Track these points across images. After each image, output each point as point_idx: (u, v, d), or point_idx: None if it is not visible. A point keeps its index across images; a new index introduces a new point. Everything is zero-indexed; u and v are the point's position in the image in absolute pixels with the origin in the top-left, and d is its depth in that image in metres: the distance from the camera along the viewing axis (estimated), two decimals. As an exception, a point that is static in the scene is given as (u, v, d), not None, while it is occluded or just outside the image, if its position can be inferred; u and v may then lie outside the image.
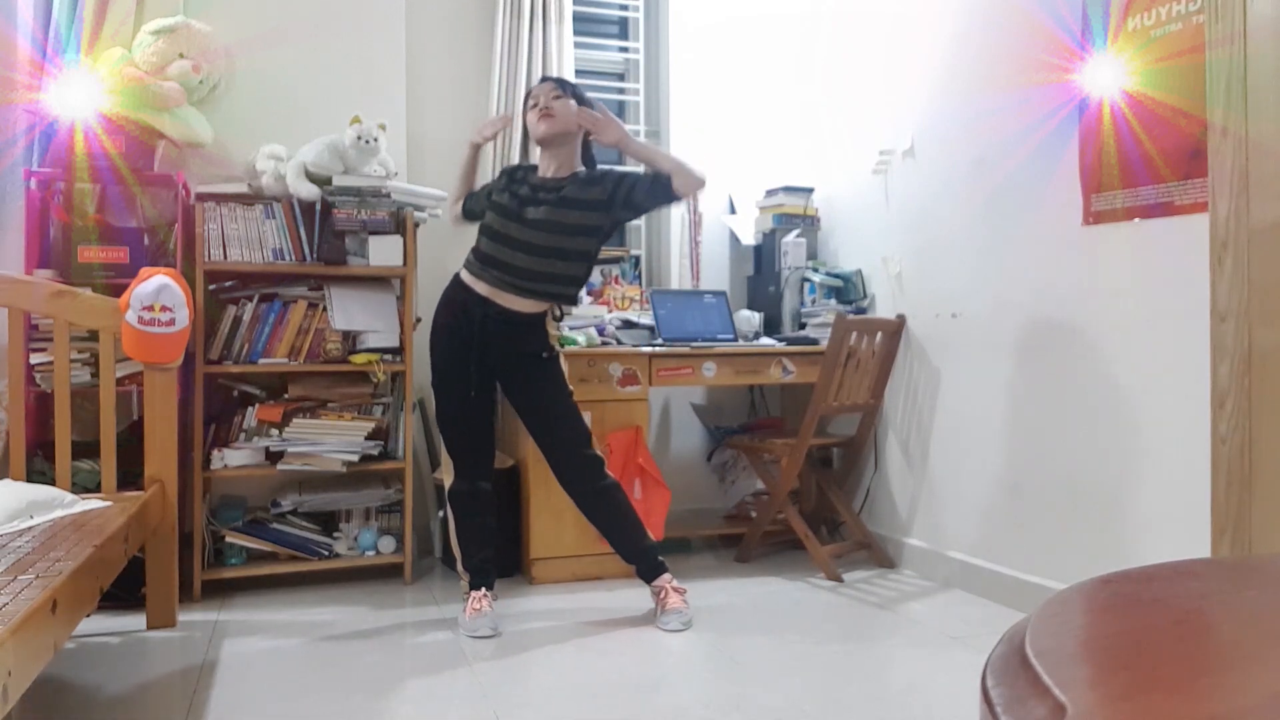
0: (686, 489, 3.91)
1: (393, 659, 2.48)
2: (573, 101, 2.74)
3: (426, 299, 3.56)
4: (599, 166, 2.86)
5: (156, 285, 2.60)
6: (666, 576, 2.84)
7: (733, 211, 4.06)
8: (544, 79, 2.89)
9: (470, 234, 2.88)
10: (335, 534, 3.25)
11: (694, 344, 3.44)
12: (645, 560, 2.86)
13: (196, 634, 2.68)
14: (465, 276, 2.76)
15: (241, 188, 3.20)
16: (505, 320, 2.71)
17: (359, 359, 3.14)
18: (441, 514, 3.50)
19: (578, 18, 3.85)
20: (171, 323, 2.62)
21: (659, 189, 2.66)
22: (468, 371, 2.71)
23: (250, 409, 3.15)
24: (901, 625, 2.78)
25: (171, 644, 2.60)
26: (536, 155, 2.91)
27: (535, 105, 2.73)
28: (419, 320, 3.39)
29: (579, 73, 3.83)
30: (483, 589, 2.78)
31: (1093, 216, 2.66)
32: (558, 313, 2.96)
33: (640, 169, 2.80)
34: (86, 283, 2.84)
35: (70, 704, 2.16)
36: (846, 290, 3.69)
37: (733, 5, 4.07)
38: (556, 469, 2.83)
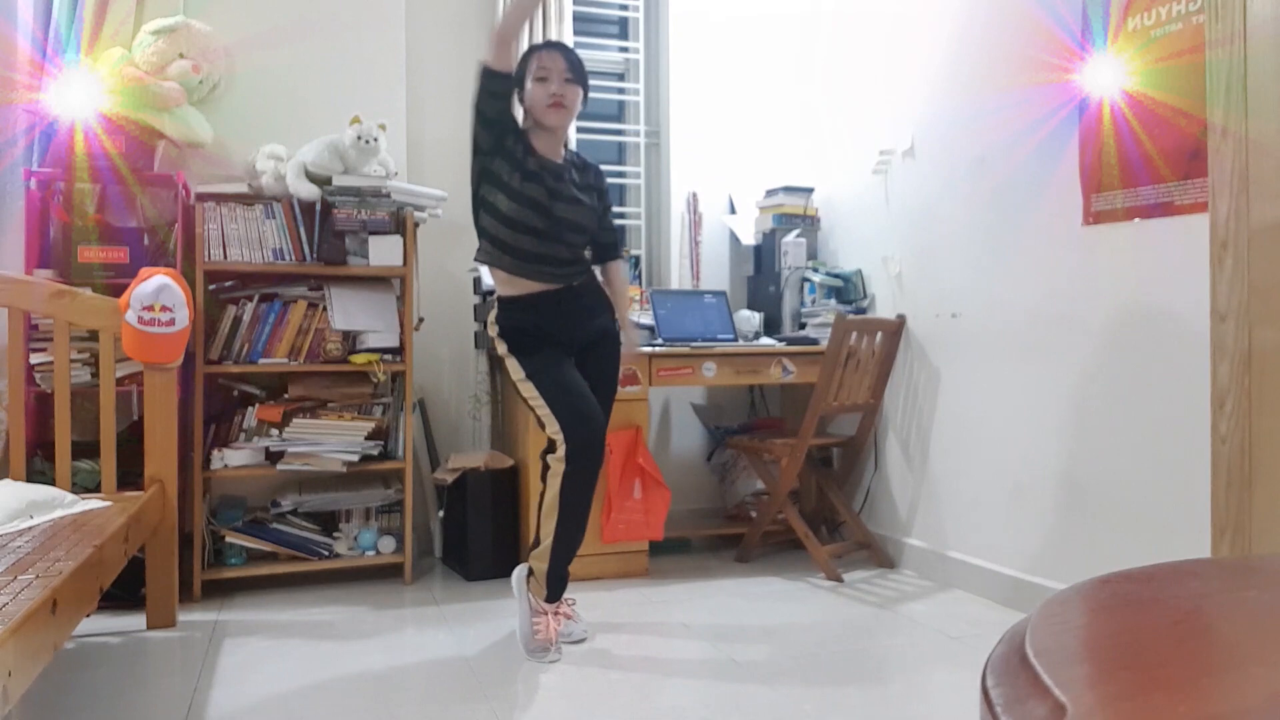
0: (686, 489, 3.91)
1: (393, 659, 2.48)
2: (578, 87, 2.58)
3: (426, 299, 3.57)
4: (579, 154, 2.77)
5: (156, 285, 2.60)
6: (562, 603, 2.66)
7: (733, 211, 4.06)
8: (550, 45, 2.62)
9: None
10: (335, 534, 3.25)
11: (694, 344, 3.43)
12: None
13: (196, 634, 2.68)
14: (520, 287, 2.57)
15: (241, 188, 3.21)
16: (579, 297, 2.62)
17: (359, 359, 3.14)
18: (441, 514, 3.51)
19: (578, 18, 3.85)
20: (171, 323, 2.62)
21: (600, 243, 2.75)
22: (560, 347, 2.59)
23: (250, 409, 3.15)
24: (901, 625, 2.78)
25: (171, 644, 2.60)
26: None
27: (544, 80, 2.54)
28: (420, 320, 3.39)
29: (579, 73, 3.82)
30: (568, 602, 2.62)
31: (1093, 216, 2.66)
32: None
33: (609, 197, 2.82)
34: (86, 283, 2.84)
35: (70, 704, 2.16)
36: (846, 290, 3.69)
37: (733, 5, 4.07)
38: None
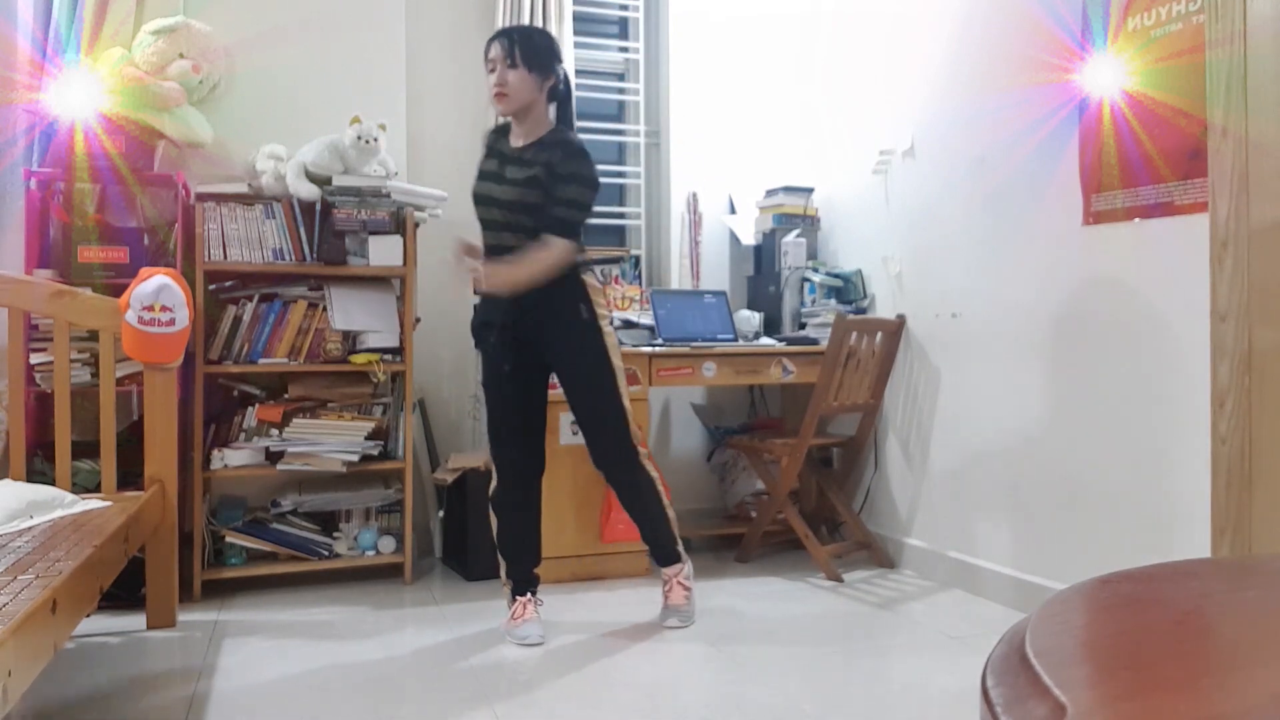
0: (686, 489, 3.91)
1: (393, 659, 2.48)
2: (523, 70, 2.55)
3: (426, 299, 3.57)
4: (567, 134, 2.65)
5: (156, 285, 2.60)
6: (677, 568, 2.81)
7: (733, 211, 4.06)
8: (497, 35, 2.62)
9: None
10: (335, 534, 3.25)
11: (694, 344, 3.43)
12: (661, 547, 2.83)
13: (196, 634, 2.68)
14: None
15: (241, 188, 3.20)
16: (534, 293, 2.57)
17: (359, 359, 3.14)
18: (441, 514, 3.51)
19: (578, 17, 3.85)
20: (171, 323, 2.62)
21: (552, 214, 2.55)
22: (503, 364, 2.65)
23: (250, 409, 3.15)
24: (901, 625, 2.78)
25: (171, 644, 2.60)
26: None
27: (492, 71, 2.58)
28: (419, 320, 3.39)
29: (579, 73, 3.82)
30: (527, 594, 2.74)
31: (1093, 216, 2.66)
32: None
33: (576, 169, 2.56)
34: (86, 283, 2.84)
35: (70, 704, 2.16)
36: (846, 290, 3.69)
37: (733, 5, 4.07)
38: (590, 450, 2.75)
